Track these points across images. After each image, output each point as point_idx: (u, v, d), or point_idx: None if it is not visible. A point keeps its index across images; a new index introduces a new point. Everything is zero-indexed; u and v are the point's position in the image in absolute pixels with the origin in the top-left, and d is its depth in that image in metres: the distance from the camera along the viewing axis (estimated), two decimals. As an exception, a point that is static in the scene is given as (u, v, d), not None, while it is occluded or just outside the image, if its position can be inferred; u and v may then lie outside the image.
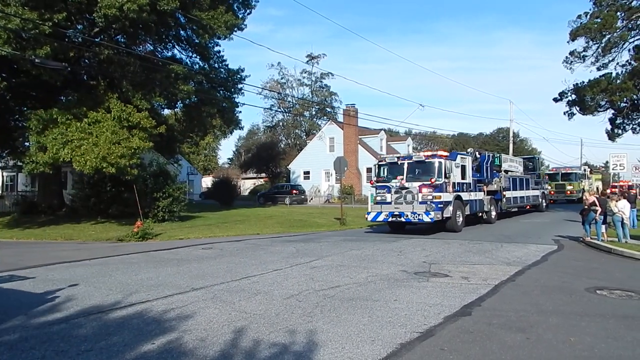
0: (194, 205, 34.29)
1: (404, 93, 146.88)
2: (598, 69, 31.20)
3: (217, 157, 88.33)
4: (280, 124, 64.42)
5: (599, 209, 14.57)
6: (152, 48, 24.75)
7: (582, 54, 31.33)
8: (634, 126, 32.60)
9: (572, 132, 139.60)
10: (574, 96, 33.21)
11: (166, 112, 29.54)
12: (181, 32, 24.19)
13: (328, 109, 58.37)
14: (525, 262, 11.19)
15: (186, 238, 17.72)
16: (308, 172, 49.36)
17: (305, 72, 58.79)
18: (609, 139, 33.93)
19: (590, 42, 30.62)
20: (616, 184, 43.82)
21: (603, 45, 29.92)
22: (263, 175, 62.12)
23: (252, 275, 9.56)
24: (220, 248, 14.41)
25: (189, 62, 25.21)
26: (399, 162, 18.14)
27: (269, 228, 20.58)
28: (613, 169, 26.82)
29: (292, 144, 61.91)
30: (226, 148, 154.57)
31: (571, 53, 31.87)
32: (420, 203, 16.96)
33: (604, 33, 29.21)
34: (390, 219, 17.72)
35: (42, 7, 17.04)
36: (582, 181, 39.96)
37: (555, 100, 34.85)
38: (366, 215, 18.51)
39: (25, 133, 21.10)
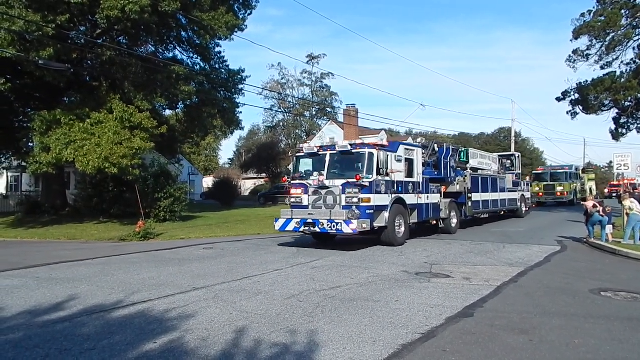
0: (195, 205, 34.32)
1: (404, 93, 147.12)
2: (602, 68, 31.05)
3: (218, 157, 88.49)
4: (281, 124, 64.43)
5: (600, 208, 14.53)
6: (153, 49, 24.80)
7: (585, 53, 31.19)
8: (639, 125, 32.38)
9: (575, 132, 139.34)
10: (577, 95, 33.07)
11: (167, 112, 29.62)
12: (182, 33, 24.24)
13: (328, 109, 58.38)
14: (527, 263, 11.16)
15: (187, 238, 17.73)
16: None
17: (305, 73, 58.82)
18: (613, 138, 33.75)
19: (594, 41, 30.46)
20: (618, 182, 43.00)
21: (607, 43, 29.77)
22: (264, 175, 62.12)
23: (253, 275, 9.55)
24: (222, 248, 14.42)
25: (190, 63, 25.27)
26: (320, 153, 13.92)
27: (269, 228, 20.55)
28: (617, 169, 26.60)
29: (292, 144, 61.92)
30: (227, 148, 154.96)
31: (574, 52, 31.73)
32: (344, 207, 12.90)
33: (608, 31, 29.08)
34: (302, 228, 13.34)
35: (45, 9, 17.10)
36: (573, 181, 36.78)
37: (558, 99, 34.71)
38: (274, 223, 14.18)
39: (29, 134, 21.16)
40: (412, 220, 14.99)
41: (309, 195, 13.71)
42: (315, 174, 13.62)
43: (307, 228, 13.23)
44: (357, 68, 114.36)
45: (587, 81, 31.81)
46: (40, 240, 18.56)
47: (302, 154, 14.51)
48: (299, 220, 13.34)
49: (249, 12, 25.00)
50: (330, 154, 13.77)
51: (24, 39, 17.14)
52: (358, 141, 13.96)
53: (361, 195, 12.80)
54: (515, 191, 24.52)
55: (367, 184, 12.85)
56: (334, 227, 12.60)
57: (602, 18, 29.03)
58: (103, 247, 15.58)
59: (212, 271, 10.24)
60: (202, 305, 7.28)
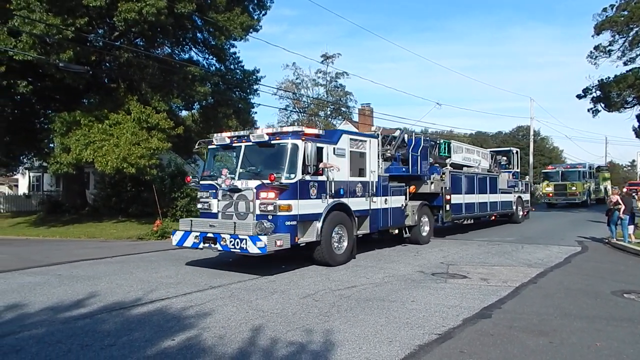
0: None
1: (420, 92, 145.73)
2: (625, 64, 30.54)
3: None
4: (295, 124, 64.54)
5: (622, 206, 14.23)
6: (169, 51, 25.02)
7: (607, 49, 30.68)
8: (664, 123, 31.71)
9: (597, 130, 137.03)
10: (598, 92, 32.55)
11: (184, 113, 29.86)
12: (198, 34, 24.41)
13: (343, 109, 58.36)
14: (547, 264, 10.99)
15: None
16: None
17: (320, 72, 58.86)
18: (637, 136, 33.17)
19: (617, 36, 29.97)
20: (638, 181, 41.87)
21: (630, 38, 29.23)
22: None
23: (269, 274, 9.58)
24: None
25: (205, 64, 25.42)
26: (234, 145, 10.89)
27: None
28: (641, 168, 25.92)
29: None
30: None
31: (596, 48, 31.24)
32: (258, 217, 9.82)
33: (631, 26, 28.55)
34: (201, 245, 10.03)
35: (65, 12, 17.38)
36: (587, 181, 33.80)
37: (579, 96, 34.21)
38: (172, 236, 10.96)
39: (50, 135, 21.52)
40: (363, 230, 11.77)
41: (218, 200, 10.58)
42: (225, 172, 10.43)
43: (207, 245, 9.88)
44: (372, 67, 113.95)
45: (609, 78, 31.33)
46: (61, 238, 18.88)
47: (214, 146, 11.33)
48: (198, 233, 10.03)
49: (263, 12, 25.07)
50: (246, 145, 10.59)
51: (44, 42, 17.44)
52: (281, 129, 10.78)
53: (279, 202, 9.55)
54: (511, 192, 20.88)
55: (288, 186, 9.61)
56: (237, 244, 9.30)
57: (626, 12, 28.49)
58: (122, 245, 15.77)
59: (228, 270, 10.29)
60: (219, 303, 7.33)
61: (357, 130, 16.14)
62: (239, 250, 9.39)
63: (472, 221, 18.23)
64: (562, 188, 33.08)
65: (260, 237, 9.08)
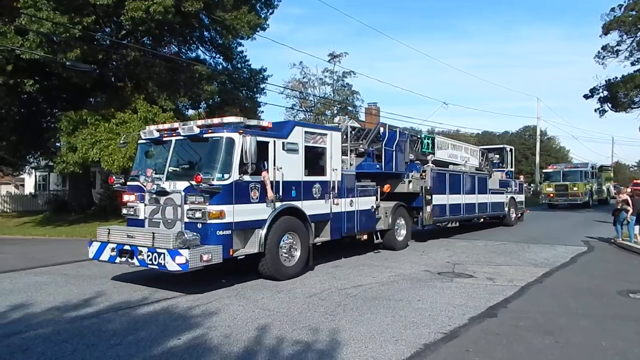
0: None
1: (426, 91, 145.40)
2: (632, 64, 30.42)
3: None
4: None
5: (630, 208, 14.14)
6: (176, 49, 25.09)
7: (615, 49, 30.58)
8: (671, 124, 31.61)
9: (604, 130, 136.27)
10: (606, 92, 32.46)
11: (190, 112, 29.97)
12: (205, 33, 24.45)
13: (350, 108, 58.31)
14: (553, 263, 10.95)
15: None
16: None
17: (327, 71, 58.81)
18: (644, 136, 33.06)
19: (625, 36, 29.87)
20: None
21: (638, 39, 29.11)
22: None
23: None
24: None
25: (212, 63, 25.47)
26: (165, 139, 9.32)
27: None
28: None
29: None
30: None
31: (603, 48, 31.13)
32: (187, 226, 8.25)
33: (639, 26, 28.39)
34: (118, 259, 8.44)
35: (72, 11, 17.44)
36: (589, 181, 32.82)
37: (586, 96, 34.10)
38: (88, 247, 9.09)
39: (56, 134, 21.62)
40: (322, 237, 10.33)
41: (145, 205, 9.05)
42: (149, 171, 9.02)
43: (124, 258, 8.30)
44: (378, 66, 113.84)
45: (616, 78, 31.20)
46: (67, 238, 18.98)
47: (143, 141, 9.86)
48: (114, 245, 8.48)
49: (270, 11, 25.08)
50: (176, 140, 9.06)
51: (51, 41, 17.54)
52: (215, 120, 9.07)
53: (209, 207, 7.97)
54: (503, 193, 19.33)
55: (220, 189, 8.03)
56: (154, 259, 7.75)
57: (634, 12, 28.36)
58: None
59: (234, 268, 10.31)
60: (225, 302, 7.35)
61: (317, 124, 14.66)
62: (157, 267, 7.74)
63: (457, 224, 16.67)
64: (563, 188, 32.12)
65: (180, 250, 7.43)
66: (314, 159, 10.19)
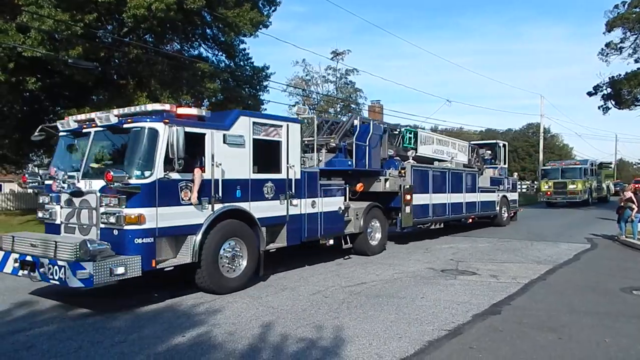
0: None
1: (430, 89, 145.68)
2: (636, 61, 30.34)
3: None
4: (305, 121, 64.32)
5: (635, 206, 14.11)
6: (179, 47, 25.07)
7: (618, 46, 30.52)
8: (674, 121, 31.56)
9: (607, 128, 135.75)
10: (609, 90, 32.39)
11: (193, 110, 30.05)
12: (207, 30, 24.42)
13: (353, 106, 58.29)
14: (556, 261, 10.95)
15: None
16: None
17: (330, 69, 58.78)
18: (647, 133, 32.93)
19: (628, 33, 29.80)
20: None
21: (642, 36, 29.05)
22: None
23: (279, 271, 9.61)
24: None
25: (215, 61, 25.45)
26: (85, 131, 7.96)
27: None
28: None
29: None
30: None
31: (607, 45, 31.08)
32: (102, 232, 7.06)
33: (642, 23, 28.34)
34: (20, 272, 7.09)
35: (74, 8, 17.43)
36: (588, 179, 31.78)
37: (590, 94, 34.03)
38: None
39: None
40: (277, 243, 9.20)
41: (61, 207, 7.75)
42: (53, 170, 7.84)
43: (25, 271, 6.95)
44: (382, 64, 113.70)
45: (620, 75, 31.14)
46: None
47: (63, 133, 8.48)
48: (17, 255, 7.14)
49: (273, 8, 25.04)
50: (95, 132, 7.77)
51: (53, 39, 17.54)
52: (137, 108, 7.86)
53: (125, 211, 6.77)
54: (494, 191, 18.24)
55: (139, 189, 6.82)
56: (55, 273, 6.49)
57: (637, 9, 28.29)
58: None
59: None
60: (228, 300, 7.37)
61: (270, 114, 13.56)
62: (58, 282, 6.49)
63: (442, 225, 15.64)
64: (561, 186, 31.11)
65: (83, 263, 6.25)
66: (266, 154, 8.82)
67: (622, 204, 14.67)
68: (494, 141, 21.76)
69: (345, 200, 10.75)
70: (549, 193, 31.59)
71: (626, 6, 29.13)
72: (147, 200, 6.89)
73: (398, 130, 14.24)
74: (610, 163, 46.55)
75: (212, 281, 7.62)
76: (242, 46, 25.78)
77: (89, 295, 7.68)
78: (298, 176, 9.32)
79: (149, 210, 6.89)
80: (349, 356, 5.01)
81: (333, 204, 10.36)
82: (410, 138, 14.31)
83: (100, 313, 6.66)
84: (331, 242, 10.40)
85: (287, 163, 9.09)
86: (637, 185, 24.31)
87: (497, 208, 18.45)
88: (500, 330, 5.86)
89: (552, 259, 11.12)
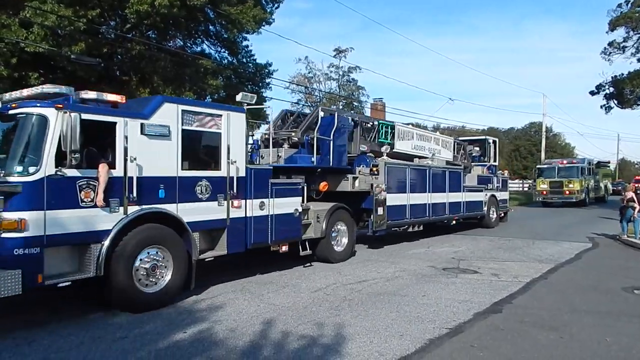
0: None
1: (433, 87, 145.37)
2: (638, 61, 30.20)
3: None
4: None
5: (637, 206, 14.10)
6: (182, 43, 25.06)
7: (621, 45, 30.42)
8: (676, 121, 31.48)
9: (609, 127, 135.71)
10: (612, 89, 32.30)
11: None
12: (210, 27, 24.42)
13: (355, 103, 58.26)
14: (558, 260, 10.94)
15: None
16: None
17: (332, 66, 58.74)
18: (650, 133, 32.82)
19: (631, 32, 29.70)
20: None
21: (644, 35, 28.96)
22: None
23: (280, 269, 9.62)
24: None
25: (217, 57, 25.44)
26: None
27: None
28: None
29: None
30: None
31: (610, 44, 30.98)
32: None
33: (646, 22, 28.25)
34: None
35: (77, 4, 17.45)
36: (585, 178, 30.71)
37: (592, 93, 33.93)
38: None
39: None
40: (217, 250, 7.96)
41: None
42: None
43: None
44: (385, 61, 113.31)
45: (622, 74, 31.04)
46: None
47: None
48: None
49: (276, 5, 25.01)
50: None
51: (56, 34, 17.55)
52: (28, 91, 6.67)
53: (4, 215, 5.64)
54: (481, 190, 17.08)
55: (19, 188, 5.69)
56: None
57: (641, 8, 28.19)
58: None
59: (239, 263, 10.34)
60: (230, 297, 7.37)
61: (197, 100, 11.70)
62: None
63: (421, 227, 14.24)
64: (558, 185, 30.05)
65: None
66: (201, 148, 7.84)
67: (624, 204, 14.67)
68: (483, 137, 20.33)
69: (303, 201, 9.50)
70: (544, 192, 30.65)
71: (629, 5, 29.04)
72: (31, 201, 5.68)
73: (372, 123, 13.05)
74: (609, 162, 44.92)
75: (124, 297, 6.44)
76: (244, 43, 25.75)
77: (90, 292, 7.70)
78: (242, 173, 8.09)
79: (33, 214, 5.65)
80: (350, 354, 5.02)
81: (287, 205, 9.05)
82: (386, 132, 13.15)
83: (102, 309, 6.67)
84: (285, 248, 9.15)
85: (228, 158, 7.80)
86: (637, 185, 24.07)
87: (485, 208, 17.29)
88: (502, 329, 5.86)
89: (554, 258, 11.11)
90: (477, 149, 18.74)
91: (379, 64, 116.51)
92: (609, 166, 43.24)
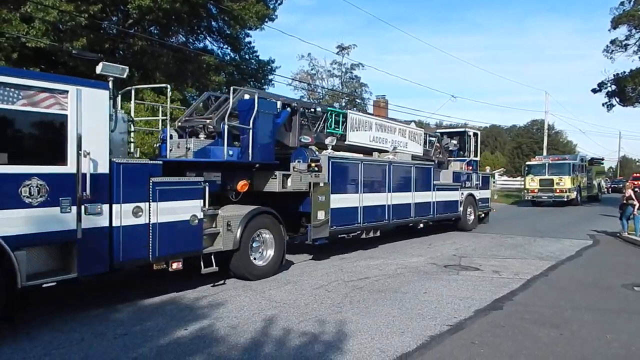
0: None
1: (435, 84, 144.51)
2: (641, 59, 30.22)
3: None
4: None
5: (637, 203, 14.10)
6: (184, 39, 25.06)
7: (624, 43, 30.43)
8: (679, 119, 31.41)
9: (611, 125, 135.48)
10: (614, 87, 32.30)
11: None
12: (212, 23, 24.41)
13: (358, 101, 58.18)
14: (558, 257, 10.95)
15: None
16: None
17: (335, 63, 58.65)
18: (651, 131, 32.76)
19: (634, 30, 29.71)
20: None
21: (647, 33, 28.94)
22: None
23: (282, 265, 9.62)
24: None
25: (220, 53, 25.46)
26: None
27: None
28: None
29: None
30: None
31: (612, 42, 30.99)
32: None
33: (648, 21, 28.24)
34: None
35: (79, -1, 17.46)
36: (577, 175, 29.35)
37: (594, 91, 33.93)
38: None
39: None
40: (64, 274, 5.87)
41: None
42: None
43: None
44: (388, 58, 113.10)
45: (624, 72, 31.03)
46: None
47: None
48: None
49: (279, 1, 24.98)
50: None
51: (57, 29, 17.54)
52: None
53: None
54: (457, 189, 15.20)
55: None
56: None
57: (643, 7, 28.17)
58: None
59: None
60: (232, 294, 7.38)
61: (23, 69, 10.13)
62: None
63: (379, 233, 11.84)
64: (548, 183, 28.47)
65: None
66: (30, 136, 5.87)
67: (624, 201, 14.72)
68: (462, 129, 18.16)
69: (204, 204, 7.45)
70: (534, 191, 29.08)
71: (632, 3, 29.03)
72: None
73: (314, 109, 11.03)
74: (602, 159, 43.21)
75: None
76: (247, 39, 25.79)
77: (91, 288, 7.72)
78: (104, 169, 6.20)
79: None
80: (352, 351, 5.03)
81: (180, 210, 7.04)
82: (337, 121, 11.33)
83: (103, 305, 6.69)
84: (177, 265, 7.08)
85: (79, 149, 5.87)
86: (635, 183, 23.60)
87: (461, 209, 15.36)
88: (502, 326, 5.87)
89: (555, 255, 11.12)
90: (455, 142, 16.86)
91: (382, 61, 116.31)
92: (602, 163, 41.86)
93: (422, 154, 14.56)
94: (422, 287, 7.84)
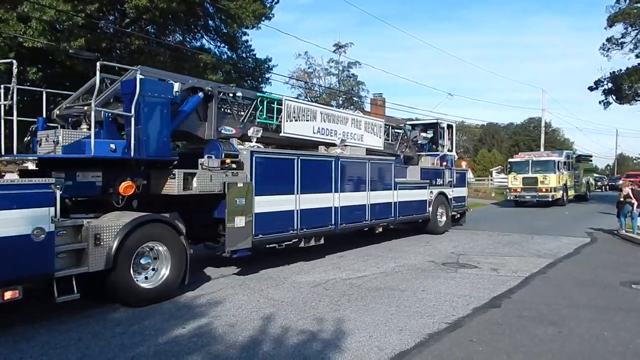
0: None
1: (432, 82, 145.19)
2: (637, 56, 30.34)
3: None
4: None
5: (634, 201, 14.14)
6: (181, 38, 25.01)
7: (620, 41, 30.50)
8: (675, 116, 31.53)
9: (608, 122, 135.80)
10: (610, 84, 32.36)
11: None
12: (209, 22, 24.36)
13: (355, 99, 58.18)
14: (556, 254, 10.97)
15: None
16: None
17: (332, 62, 58.66)
18: (648, 128, 32.83)
19: (629, 28, 29.79)
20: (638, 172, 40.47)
21: (643, 31, 29.05)
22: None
23: (280, 264, 9.63)
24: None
25: (217, 52, 25.40)
26: None
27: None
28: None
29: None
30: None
31: (608, 40, 31.03)
32: None
33: (644, 19, 28.33)
34: None
35: (76, -2, 17.41)
36: (563, 173, 26.98)
37: (591, 88, 33.98)
38: None
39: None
40: None
41: None
42: None
43: None
44: (384, 56, 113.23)
45: (621, 70, 31.14)
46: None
47: None
48: None
49: (275, 0, 24.97)
50: None
51: (54, 29, 17.49)
52: None
53: None
54: (424, 187, 13.62)
55: None
56: None
57: (639, 5, 28.23)
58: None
59: (238, 259, 10.31)
60: (229, 292, 7.38)
61: None
62: None
63: (323, 241, 10.19)
64: (531, 182, 26.28)
65: None
66: None
67: (621, 199, 14.75)
68: (435, 120, 16.19)
69: (55, 214, 5.69)
70: (517, 190, 26.92)
71: (627, 1, 29.11)
72: None
73: (233, 94, 9.01)
74: (591, 156, 39.91)
75: None
76: (244, 38, 25.72)
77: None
78: None
79: None
80: (350, 348, 5.03)
81: (12, 222, 5.31)
82: (270, 110, 9.66)
83: (100, 304, 6.67)
84: (10, 295, 5.34)
85: None
86: (631, 180, 23.09)
87: (430, 209, 13.79)
88: (500, 324, 5.88)
89: (553, 253, 11.14)
90: (425, 135, 15.15)
91: (378, 59, 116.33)
92: (591, 160, 39.16)
93: (382, 148, 12.78)
94: (420, 285, 7.85)
